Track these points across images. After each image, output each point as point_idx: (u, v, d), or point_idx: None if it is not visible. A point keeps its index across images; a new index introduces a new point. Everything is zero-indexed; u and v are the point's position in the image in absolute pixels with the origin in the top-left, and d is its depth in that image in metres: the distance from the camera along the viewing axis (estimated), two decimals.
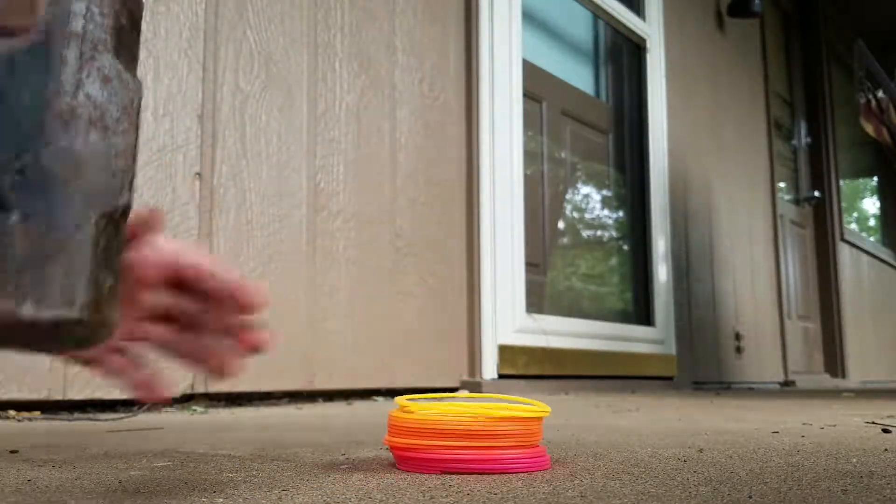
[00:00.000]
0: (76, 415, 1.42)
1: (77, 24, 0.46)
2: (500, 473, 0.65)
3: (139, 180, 1.58)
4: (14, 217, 0.43)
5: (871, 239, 6.99)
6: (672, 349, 3.46)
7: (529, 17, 2.99)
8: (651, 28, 3.64)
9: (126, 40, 0.50)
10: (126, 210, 0.49)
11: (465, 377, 2.33)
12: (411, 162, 2.25)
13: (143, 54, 1.61)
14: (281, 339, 1.83)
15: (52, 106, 0.45)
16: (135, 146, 0.49)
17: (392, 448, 0.70)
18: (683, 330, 3.59)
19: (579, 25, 3.47)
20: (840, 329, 5.44)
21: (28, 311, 0.42)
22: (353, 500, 0.53)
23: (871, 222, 7.75)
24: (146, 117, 1.61)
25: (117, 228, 0.48)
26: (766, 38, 4.88)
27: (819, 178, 5.63)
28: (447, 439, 0.66)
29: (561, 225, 3.12)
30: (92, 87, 0.47)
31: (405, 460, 0.68)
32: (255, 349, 0.57)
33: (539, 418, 0.68)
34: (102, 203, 0.46)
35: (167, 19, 1.66)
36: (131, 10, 0.50)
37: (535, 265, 2.84)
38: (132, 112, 0.49)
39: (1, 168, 0.43)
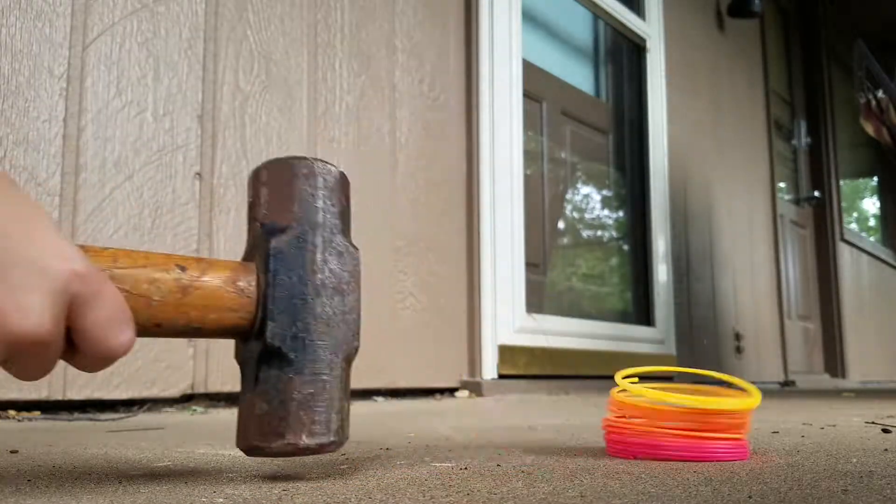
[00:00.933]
0: (76, 415, 1.42)
1: (319, 217, 0.62)
2: (704, 461, 0.70)
3: (139, 180, 1.58)
4: (292, 370, 0.58)
5: (871, 239, 6.99)
6: (672, 349, 3.46)
7: (529, 17, 2.99)
8: (651, 28, 3.64)
9: (346, 218, 0.65)
10: (356, 350, 0.63)
11: (465, 377, 2.33)
12: (411, 162, 2.25)
13: (143, 54, 1.61)
14: None
15: (311, 282, 0.60)
16: (359, 300, 0.64)
17: (609, 426, 0.76)
18: (683, 330, 3.59)
19: (579, 25, 3.47)
20: (840, 329, 5.45)
21: (305, 441, 0.58)
22: (352, 500, 0.53)
23: (871, 222, 7.75)
24: (146, 117, 1.61)
25: (350, 363, 0.62)
26: (766, 38, 4.88)
27: (819, 178, 5.63)
28: (666, 422, 0.71)
29: (561, 225, 3.12)
30: (332, 263, 0.61)
31: (615, 445, 0.76)
32: None
33: (749, 410, 0.73)
34: (345, 350, 0.61)
35: (167, 19, 1.66)
36: (346, 193, 0.65)
37: (535, 265, 2.84)
38: (356, 275, 0.64)
39: (283, 333, 0.58)
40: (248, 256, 0.63)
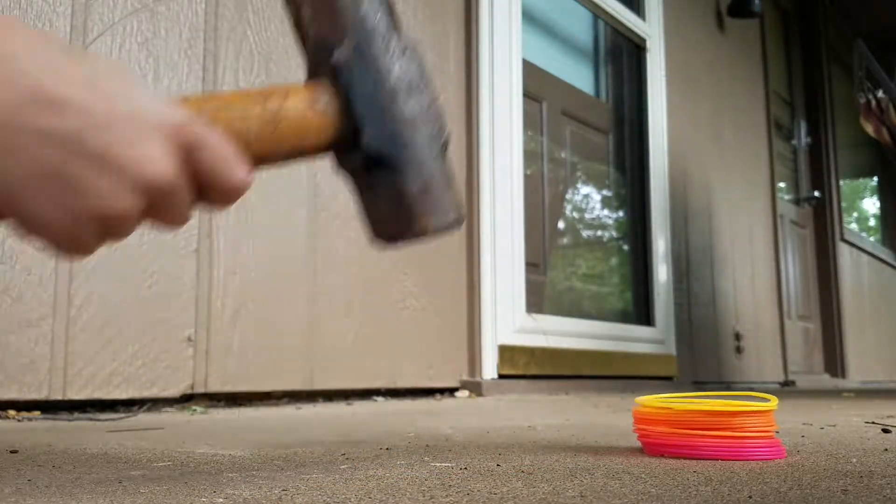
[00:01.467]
0: (76, 415, 1.42)
1: (368, 22, 0.62)
2: (743, 460, 0.73)
3: None
4: (399, 169, 0.61)
5: (871, 239, 6.99)
6: (672, 349, 3.46)
7: (529, 17, 2.99)
8: (651, 28, 3.64)
9: (395, 13, 0.64)
10: (448, 139, 0.66)
11: (465, 377, 2.33)
12: None
13: (143, 54, 1.61)
14: (281, 339, 1.83)
15: (385, 85, 0.61)
16: (435, 92, 0.65)
17: (644, 435, 0.80)
18: (683, 330, 3.59)
19: (579, 25, 3.47)
20: (840, 329, 5.44)
21: (434, 224, 0.61)
22: (352, 500, 0.53)
23: (871, 222, 7.75)
24: None
25: (445, 152, 0.65)
26: (766, 38, 4.88)
27: (819, 178, 5.63)
28: (696, 429, 0.75)
29: (561, 225, 3.12)
30: (398, 63, 0.62)
31: (653, 445, 0.79)
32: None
33: (771, 411, 0.77)
34: (438, 140, 0.63)
35: (167, 19, 1.66)
36: None
37: (535, 265, 2.84)
38: (424, 68, 0.64)
39: (378, 139, 0.60)
40: (311, 75, 0.63)
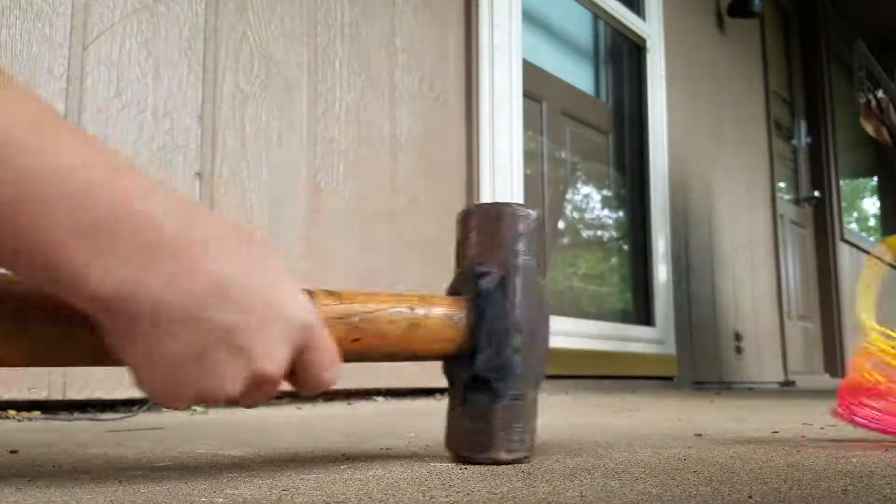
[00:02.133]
0: (76, 415, 1.42)
1: (519, 261, 0.70)
2: None
3: None
4: (496, 396, 0.68)
5: (871, 239, 6.99)
6: (672, 349, 3.46)
7: (529, 17, 2.99)
8: (651, 28, 3.64)
9: (541, 258, 0.74)
10: (544, 376, 0.74)
11: None
12: (411, 162, 2.25)
13: (143, 54, 1.61)
14: None
15: (511, 319, 0.69)
16: (549, 332, 0.75)
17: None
18: (683, 330, 3.59)
19: (579, 25, 3.47)
20: (840, 329, 5.44)
21: (505, 456, 0.68)
22: (353, 500, 0.53)
23: (871, 222, 7.75)
24: (146, 117, 1.61)
25: (538, 387, 0.73)
26: (766, 38, 4.88)
27: (819, 178, 5.63)
28: None
29: (561, 225, 3.12)
30: (529, 302, 0.70)
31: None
32: None
33: None
34: (536, 377, 0.71)
35: (167, 19, 1.66)
36: (542, 234, 0.79)
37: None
38: (546, 311, 0.74)
39: (489, 364, 0.68)
40: (454, 290, 0.73)
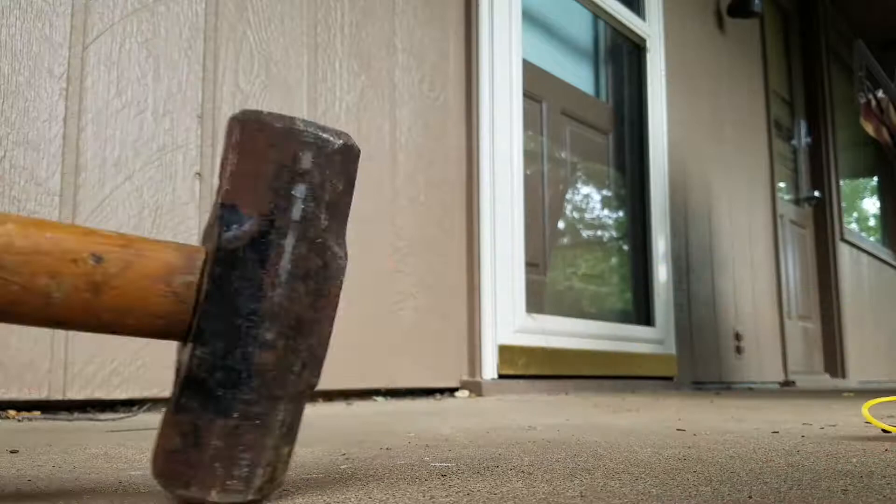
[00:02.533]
0: (76, 415, 1.42)
1: (296, 210, 0.46)
2: None
3: (139, 180, 1.58)
4: (215, 410, 0.45)
5: (871, 239, 6.99)
6: (672, 349, 3.46)
7: (529, 17, 2.99)
8: (651, 28, 3.64)
9: (339, 210, 0.49)
10: (312, 387, 0.50)
11: (465, 377, 2.33)
12: (411, 162, 2.25)
13: (143, 54, 1.61)
14: None
15: (266, 299, 0.45)
16: (331, 325, 0.51)
17: None
18: (683, 330, 3.59)
19: (579, 25, 3.47)
20: (840, 329, 5.44)
21: (213, 497, 0.46)
22: (352, 500, 0.53)
23: (871, 222, 7.74)
24: (146, 117, 1.61)
25: (301, 402, 0.49)
26: (766, 38, 4.88)
27: (819, 178, 5.62)
28: None
29: (561, 225, 3.12)
30: (302, 276, 0.47)
31: None
32: None
33: None
34: (295, 388, 0.48)
35: (167, 19, 1.66)
36: (349, 174, 0.50)
37: (535, 265, 2.84)
38: (333, 293, 0.49)
39: (213, 362, 0.45)
40: (205, 237, 0.50)
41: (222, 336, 0.45)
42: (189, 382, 0.46)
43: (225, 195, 0.47)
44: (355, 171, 0.50)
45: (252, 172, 0.47)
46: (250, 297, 0.45)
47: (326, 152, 0.48)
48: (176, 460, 0.47)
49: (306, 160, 0.47)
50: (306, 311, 0.48)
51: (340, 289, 0.51)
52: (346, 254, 0.50)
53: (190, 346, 0.46)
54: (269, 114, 0.48)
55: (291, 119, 0.48)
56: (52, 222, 0.46)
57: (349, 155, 0.49)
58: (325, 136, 0.48)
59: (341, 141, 0.49)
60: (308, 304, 0.48)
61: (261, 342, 0.45)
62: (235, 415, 0.46)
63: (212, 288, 0.46)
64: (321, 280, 0.48)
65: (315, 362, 0.49)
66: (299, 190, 0.47)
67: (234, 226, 0.46)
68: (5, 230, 0.44)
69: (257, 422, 0.46)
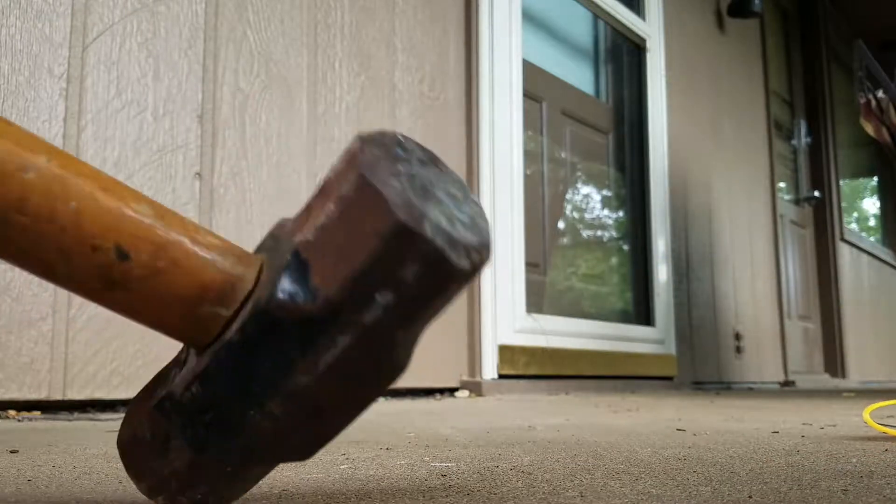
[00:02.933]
0: (76, 415, 1.42)
1: (370, 317, 0.39)
2: None
3: (139, 180, 1.58)
4: (188, 445, 0.42)
5: (871, 239, 6.99)
6: (672, 349, 3.46)
7: (529, 17, 2.99)
8: (651, 28, 3.64)
9: (424, 321, 0.42)
10: (304, 458, 0.47)
11: (465, 377, 2.33)
12: None
13: (142, 54, 1.61)
14: None
15: (283, 380, 0.41)
16: (355, 419, 0.45)
17: None
18: (683, 330, 3.59)
19: (579, 25, 3.47)
20: (840, 329, 5.44)
21: (160, 502, 0.44)
22: (352, 500, 0.53)
23: (871, 222, 7.74)
24: (146, 117, 1.61)
25: (283, 461, 0.46)
26: (766, 38, 4.88)
27: (819, 178, 5.62)
28: None
29: (561, 225, 3.12)
30: (334, 379, 0.41)
31: None
32: None
33: None
34: (277, 458, 0.45)
35: (167, 19, 1.66)
36: (452, 297, 0.42)
37: (535, 265, 2.84)
38: (370, 399, 0.44)
39: (202, 405, 0.42)
40: (262, 248, 0.45)
41: (227, 386, 0.41)
42: (174, 399, 0.42)
43: (303, 245, 0.40)
44: (459, 292, 0.41)
45: (344, 244, 0.39)
46: (274, 369, 0.40)
47: (441, 273, 0.39)
48: (138, 448, 0.44)
49: (410, 273, 0.38)
50: (331, 402, 0.42)
51: (382, 393, 0.45)
52: (407, 363, 0.43)
53: (192, 372, 0.42)
54: (399, 184, 0.38)
55: (424, 209, 0.38)
56: (105, 177, 0.39)
57: (464, 281, 0.40)
58: (450, 254, 0.38)
59: (467, 265, 0.39)
60: (338, 399, 0.42)
61: (266, 411, 0.41)
62: (208, 456, 0.42)
63: (237, 339, 0.40)
64: (365, 384, 0.42)
65: (317, 442, 0.44)
66: (385, 297, 0.39)
67: (292, 293, 0.39)
68: (27, 182, 0.36)
69: (228, 469, 0.43)
